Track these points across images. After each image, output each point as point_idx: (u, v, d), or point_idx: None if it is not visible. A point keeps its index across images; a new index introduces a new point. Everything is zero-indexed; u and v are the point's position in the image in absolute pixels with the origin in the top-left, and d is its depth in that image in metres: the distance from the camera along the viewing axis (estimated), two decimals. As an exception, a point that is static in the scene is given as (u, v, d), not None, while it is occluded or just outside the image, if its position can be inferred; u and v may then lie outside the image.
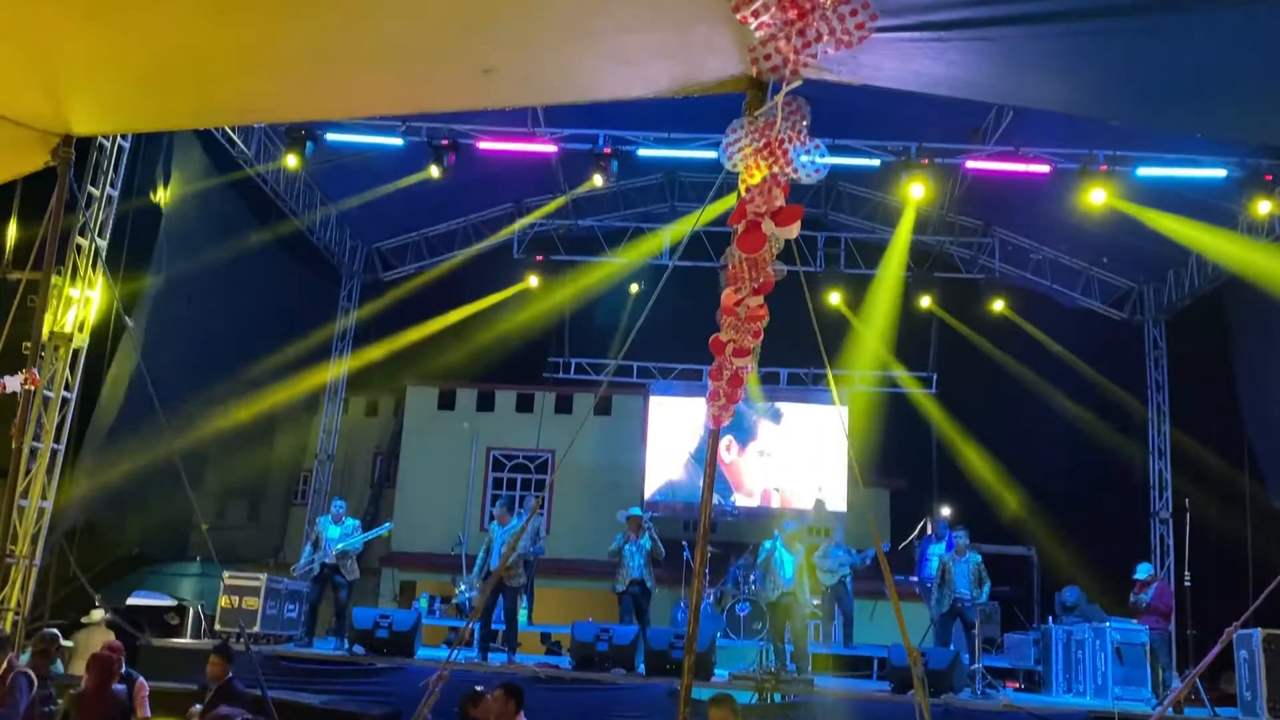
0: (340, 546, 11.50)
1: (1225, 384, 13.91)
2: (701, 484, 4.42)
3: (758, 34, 3.74)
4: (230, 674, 7.80)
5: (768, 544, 11.32)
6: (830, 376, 17.22)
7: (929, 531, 14.64)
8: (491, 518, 11.93)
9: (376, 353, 17.54)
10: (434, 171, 13.27)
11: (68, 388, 9.78)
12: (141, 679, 7.63)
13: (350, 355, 17.39)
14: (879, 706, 10.06)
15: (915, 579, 14.08)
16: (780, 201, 3.81)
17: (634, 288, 16.55)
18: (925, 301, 16.34)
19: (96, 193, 10.08)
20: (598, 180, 13.55)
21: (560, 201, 15.96)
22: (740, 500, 17.59)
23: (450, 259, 17.20)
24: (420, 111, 10.62)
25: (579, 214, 16.61)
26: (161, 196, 11.87)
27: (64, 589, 11.12)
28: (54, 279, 9.10)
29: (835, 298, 16.56)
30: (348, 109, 8.64)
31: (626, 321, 16.18)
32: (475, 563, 12.02)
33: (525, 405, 19.41)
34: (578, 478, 17.74)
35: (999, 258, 16.28)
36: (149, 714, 7.46)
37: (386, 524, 12.14)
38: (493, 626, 11.67)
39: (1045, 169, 12.71)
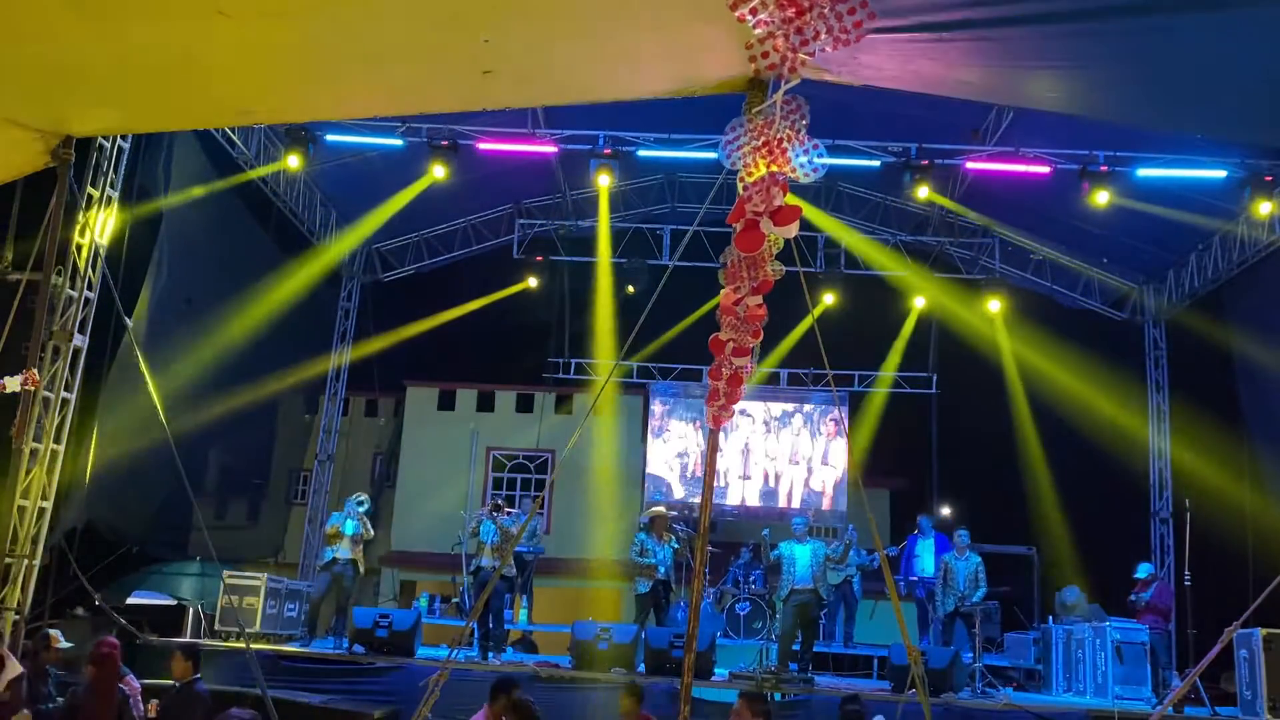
0: (352, 537, 11.53)
1: (1225, 384, 13.91)
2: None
3: (755, 31, 3.75)
4: (197, 675, 7.40)
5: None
6: (830, 376, 17.19)
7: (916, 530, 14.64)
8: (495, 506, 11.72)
9: (376, 353, 17.53)
10: (438, 172, 13.23)
11: (68, 388, 9.77)
12: (131, 676, 7.57)
13: (350, 356, 17.39)
14: (879, 706, 10.04)
15: (899, 577, 14.06)
16: (779, 201, 3.81)
17: (630, 289, 16.52)
18: (922, 302, 16.33)
19: (96, 193, 10.05)
20: (602, 180, 13.50)
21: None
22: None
23: (450, 259, 17.20)
24: (420, 112, 10.60)
25: (579, 214, 16.61)
26: (161, 197, 11.87)
27: (64, 589, 11.11)
28: (54, 279, 9.09)
29: (830, 298, 16.55)
30: (348, 109, 8.65)
31: (627, 321, 16.16)
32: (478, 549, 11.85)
33: (525, 405, 19.41)
34: (578, 477, 17.72)
35: (999, 258, 16.27)
36: (143, 712, 7.41)
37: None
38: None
39: (1045, 169, 12.71)
